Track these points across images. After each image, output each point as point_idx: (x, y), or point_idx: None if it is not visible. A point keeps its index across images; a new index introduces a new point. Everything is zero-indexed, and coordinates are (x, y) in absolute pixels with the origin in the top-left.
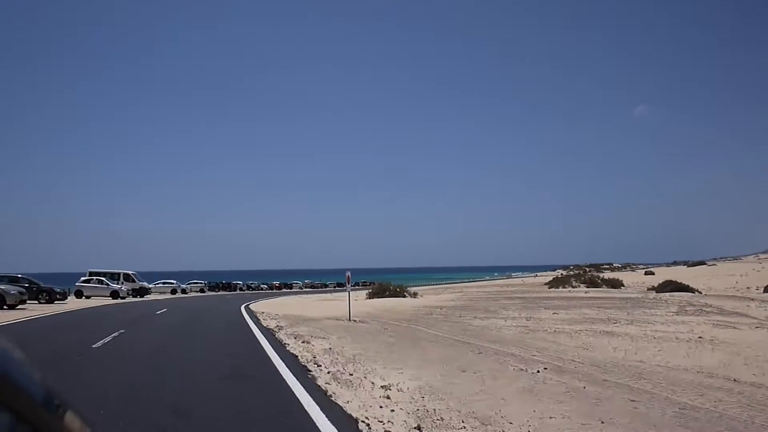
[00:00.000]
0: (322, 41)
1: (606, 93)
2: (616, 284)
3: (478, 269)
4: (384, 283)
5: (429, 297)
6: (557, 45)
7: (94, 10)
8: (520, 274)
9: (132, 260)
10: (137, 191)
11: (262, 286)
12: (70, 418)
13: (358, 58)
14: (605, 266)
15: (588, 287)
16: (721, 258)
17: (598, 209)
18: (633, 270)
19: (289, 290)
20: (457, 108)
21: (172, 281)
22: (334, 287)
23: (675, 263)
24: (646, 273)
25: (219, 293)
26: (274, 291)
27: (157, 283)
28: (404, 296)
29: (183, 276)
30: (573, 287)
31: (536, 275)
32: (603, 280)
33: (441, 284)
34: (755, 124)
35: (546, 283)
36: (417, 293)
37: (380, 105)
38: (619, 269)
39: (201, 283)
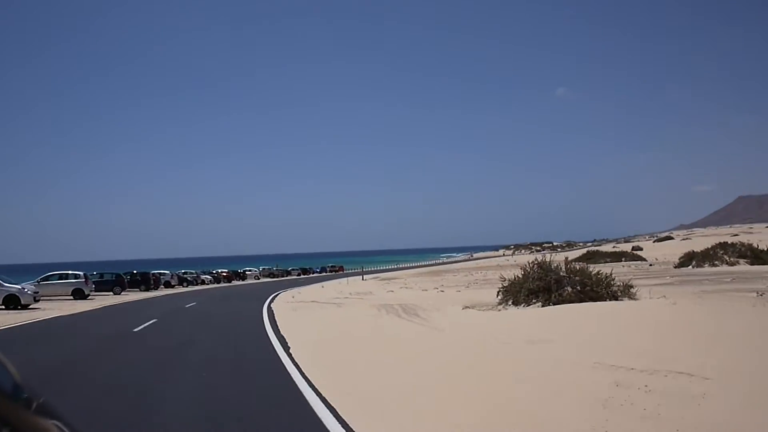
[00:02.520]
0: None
1: (528, 76)
2: None
3: (414, 251)
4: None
5: None
6: (485, 29)
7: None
8: (457, 255)
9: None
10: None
11: (204, 277)
12: (40, 410)
13: (290, 43)
14: (547, 245)
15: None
16: (640, 235)
17: (522, 191)
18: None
19: (241, 281)
20: (391, 90)
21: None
22: (298, 274)
23: (595, 241)
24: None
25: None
26: (206, 286)
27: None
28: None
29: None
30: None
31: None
32: None
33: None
34: (666, 107)
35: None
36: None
37: (318, 93)
38: (565, 248)
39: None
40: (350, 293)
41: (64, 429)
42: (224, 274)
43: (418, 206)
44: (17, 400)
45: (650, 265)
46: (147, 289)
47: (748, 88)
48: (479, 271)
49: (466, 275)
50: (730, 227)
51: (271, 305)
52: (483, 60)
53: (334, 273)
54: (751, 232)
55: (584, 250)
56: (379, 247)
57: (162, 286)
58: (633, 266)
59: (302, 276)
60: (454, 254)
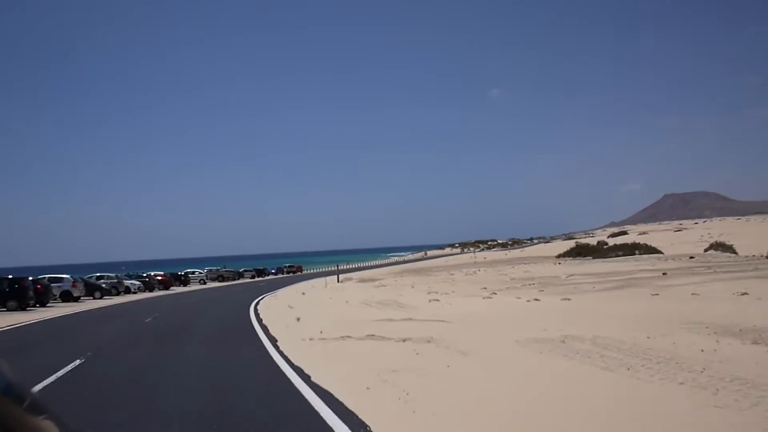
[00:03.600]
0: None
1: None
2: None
3: (360, 251)
4: None
5: None
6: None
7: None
8: (406, 254)
9: None
10: None
11: (129, 283)
12: (32, 407)
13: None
14: (492, 242)
15: None
16: (576, 232)
17: (456, 191)
18: (536, 244)
19: (183, 288)
20: (336, 93)
21: None
22: (252, 276)
23: (532, 239)
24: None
25: None
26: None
27: None
28: None
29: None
30: None
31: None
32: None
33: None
34: (598, 109)
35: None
36: None
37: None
38: (514, 245)
39: None
40: (376, 304)
41: (56, 426)
42: (160, 278)
43: (349, 208)
44: (8, 397)
45: (690, 257)
46: (22, 307)
47: (673, 90)
48: (478, 269)
49: (470, 274)
50: (659, 224)
51: (278, 356)
52: (424, 60)
53: (293, 274)
54: (693, 228)
55: (557, 244)
56: (308, 248)
57: (58, 299)
58: (676, 261)
59: (259, 279)
60: (403, 253)
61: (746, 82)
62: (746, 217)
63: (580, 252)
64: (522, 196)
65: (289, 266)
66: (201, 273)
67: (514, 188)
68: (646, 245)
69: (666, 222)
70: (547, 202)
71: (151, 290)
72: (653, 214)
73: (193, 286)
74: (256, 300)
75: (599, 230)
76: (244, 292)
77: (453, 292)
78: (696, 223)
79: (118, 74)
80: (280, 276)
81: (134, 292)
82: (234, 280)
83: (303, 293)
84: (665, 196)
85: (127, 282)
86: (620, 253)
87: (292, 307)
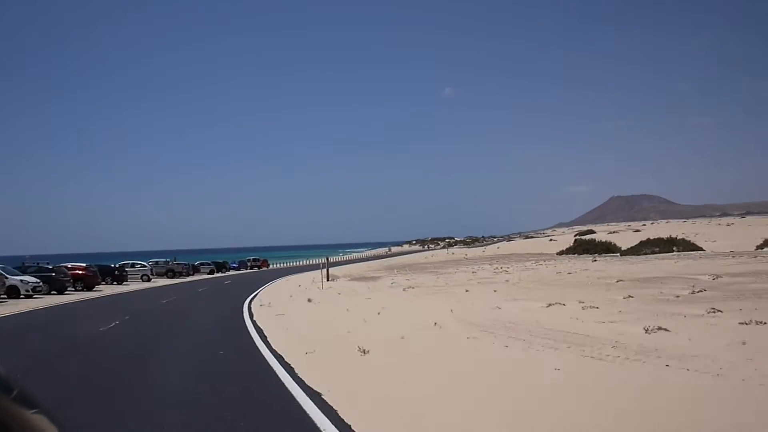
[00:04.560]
0: None
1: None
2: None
3: (310, 247)
4: None
5: None
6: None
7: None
8: (363, 250)
9: None
10: None
11: (21, 279)
12: (20, 399)
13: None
14: (450, 239)
15: None
16: (527, 231)
17: (407, 189)
18: (495, 242)
19: (118, 286)
20: (280, 90)
21: None
22: (211, 272)
23: (505, 236)
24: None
25: None
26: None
27: None
28: None
29: None
30: None
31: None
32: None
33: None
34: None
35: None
36: None
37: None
38: (475, 242)
39: None
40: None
41: (44, 417)
42: (80, 272)
43: (302, 205)
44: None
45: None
46: None
47: (620, 95)
48: (499, 266)
49: (500, 271)
50: (608, 225)
51: None
52: (376, 58)
53: (257, 269)
54: (645, 229)
55: (521, 242)
56: (259, 243)
57: None
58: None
59: (220, 275)
60: (361, 249)
61: (685, 90)
62: (692, 219)
63: (588, 248)
64: (471, 196)
65: (253, 260)
66: (145, 266)
67: (463, 188)
68: (684, 240)
69: (614, 223)
70: (495, 202)
71: (59, 291)
72: (600, 215)
73: (134, 285)
74: (240, 311)
75: (549, 230)
76: (206, 296)
77: (584, 305)
78: (644, 225)
79: (117, 72)
80: (244, 271)
81: (24, 295)
82: (187, 275)
83: (309, 300)
84: (612, 198)
85: (14, 279)
86: (656, 249)
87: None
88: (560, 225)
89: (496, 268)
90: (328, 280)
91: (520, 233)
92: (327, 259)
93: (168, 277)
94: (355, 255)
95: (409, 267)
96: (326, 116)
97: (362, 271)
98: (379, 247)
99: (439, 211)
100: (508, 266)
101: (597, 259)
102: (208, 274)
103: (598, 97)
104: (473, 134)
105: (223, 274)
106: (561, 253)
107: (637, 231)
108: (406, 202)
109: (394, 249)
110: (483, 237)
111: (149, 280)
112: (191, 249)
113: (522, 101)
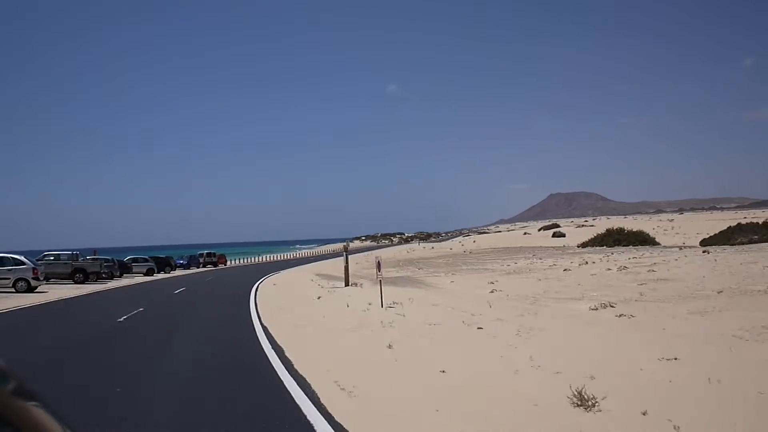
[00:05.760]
0: None
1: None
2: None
3: (257, 244)
4: None
5: None
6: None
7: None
8: (315, 246)
9: None
10: None
11: None
12: (18, 392)
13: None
14: (400, 235)
15: None
16: (474, 227)
17: (349, 187)
18: (467, 235)
19: None
20: (234, 90)
21: None
22: (149, 272)
23: (457, 231)
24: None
25: None
26: None
27: None
28: None
29: None
30: None
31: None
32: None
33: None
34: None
35: None
36: None
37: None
38: (428, 238)
39: None
40: None
41: (43, 410)
42: None
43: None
44: None
45: None
46: None
47: (556, 93)
48: (530, 259)
49: (474, 271)
50: (549, 221)
51: None
52: (322, 55)
53: (213, 267)
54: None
55: (488, 237)
56: (204, 240)
57: None
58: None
59: (162, 276)
60: (311, 245)
61: (616, 91)
62: (632, 216)
63: (619, 239)
64: (412, 194)
65: (208, 254)
66: (25, 266)
67: (405, 185)
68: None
69: (554, 219)
70: (436, 199)
71: None
72: (540, 212)
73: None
74: None
75: (492, 226)
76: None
77: None
78: (586, 221)
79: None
80: (195, 270)
81: None
82: (111, 278)
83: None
84: (551, 195)
85: None
86: (755, 236)
87: None
88: (501, 222)
89: (537, 262)
90: (347, 284)
91: (461, 230)
92: (346, 255)
93: (75, 282)
94: (324, 250)
95: (422, 262)
96: (264, 119)
97: (367, 270)
98: (328, 243)
99: (382, 208)
100: (581, 261)
101: (706, 252)
102: (144, 275)
103: (538, 98)
104: (415, 132)
105: (167, 275)
106: (584, 245)
107: (582, 226)
108: (350, 200)
109: (351, 245)
110: (437, 233)
111: (33, 289)
112: (140, 246)
113: (466, 101)
